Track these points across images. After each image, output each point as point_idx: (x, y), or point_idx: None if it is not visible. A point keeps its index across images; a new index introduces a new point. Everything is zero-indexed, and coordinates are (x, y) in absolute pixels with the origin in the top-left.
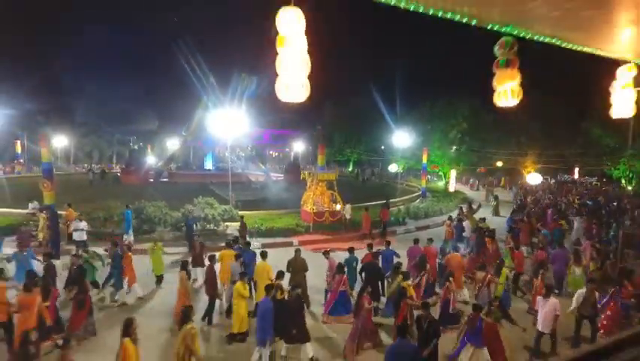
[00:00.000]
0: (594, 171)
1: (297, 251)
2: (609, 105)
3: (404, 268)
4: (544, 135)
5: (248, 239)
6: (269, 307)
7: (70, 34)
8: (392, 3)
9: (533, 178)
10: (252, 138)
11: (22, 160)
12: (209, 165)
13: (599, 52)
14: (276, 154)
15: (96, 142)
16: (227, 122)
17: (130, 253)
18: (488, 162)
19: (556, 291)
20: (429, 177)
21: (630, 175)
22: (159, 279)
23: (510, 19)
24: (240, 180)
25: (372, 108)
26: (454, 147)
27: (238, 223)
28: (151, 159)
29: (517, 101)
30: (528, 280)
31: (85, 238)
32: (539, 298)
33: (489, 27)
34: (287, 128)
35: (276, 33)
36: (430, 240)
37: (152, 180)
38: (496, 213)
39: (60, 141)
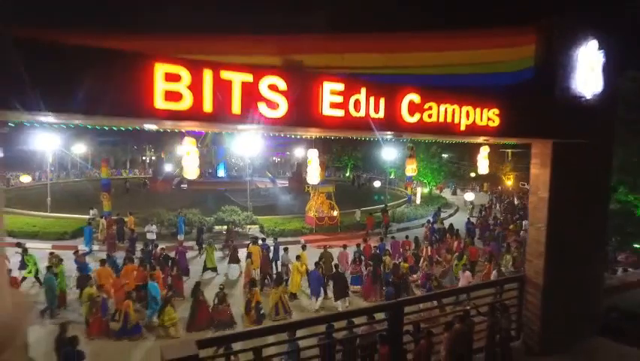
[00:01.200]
0: None
1: (325, 247)
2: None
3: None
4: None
5: (270, 237)
6: (317, 275)
7: None
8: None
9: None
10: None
11: (52, 168)
12: (221, 173)
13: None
14: (278, 160)
15: (111, 149)
16: (246, 143)
17: (156, 251)
18: (467, 172)
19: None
20: (415, 184)
21: None
22: (213, 270)
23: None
24: (250, 188)
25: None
26: (436, 160)
27: (257, 226)
28: (168, 167)
29: (415, 174)
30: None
31: (154, 237)
32: (460, 272)
33: (401, 139)
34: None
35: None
36: (407, 236)
37: (173, 187)
38: (471, 215)
39: (79, 148)
